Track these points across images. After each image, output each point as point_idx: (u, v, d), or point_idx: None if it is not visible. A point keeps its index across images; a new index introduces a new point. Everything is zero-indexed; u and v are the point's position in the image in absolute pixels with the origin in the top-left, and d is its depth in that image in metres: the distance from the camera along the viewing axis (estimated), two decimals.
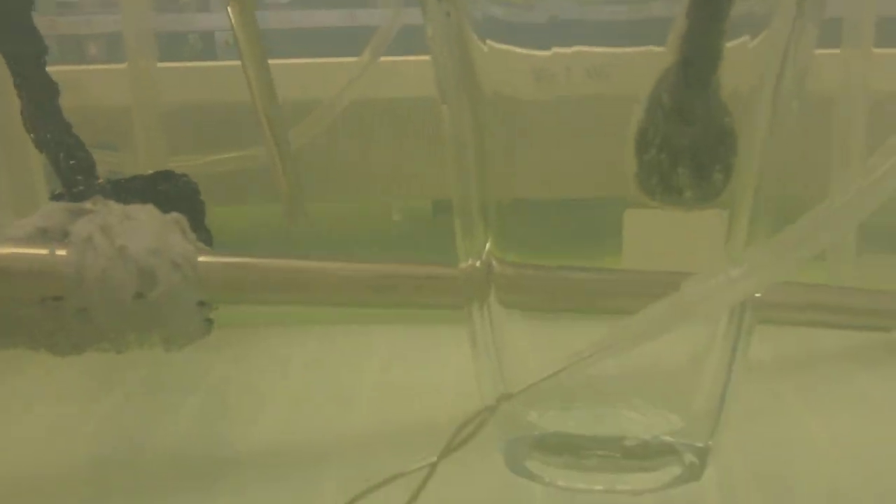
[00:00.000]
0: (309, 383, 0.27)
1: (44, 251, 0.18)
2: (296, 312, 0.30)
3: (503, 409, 0.21)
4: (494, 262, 0.21)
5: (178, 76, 0.36)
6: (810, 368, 0.27)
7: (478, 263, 0.21)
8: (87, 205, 0.19)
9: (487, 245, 0.20)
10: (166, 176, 0.28)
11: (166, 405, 0.26)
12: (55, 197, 0.27)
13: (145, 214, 0.19)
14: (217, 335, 0.29)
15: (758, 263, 0.17)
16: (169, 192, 0.28)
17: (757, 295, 0.20)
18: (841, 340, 0.28)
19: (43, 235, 0.18)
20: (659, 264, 0.20)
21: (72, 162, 0.28)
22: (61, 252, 0.18)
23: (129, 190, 0.28)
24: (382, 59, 0.35)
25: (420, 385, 0.26)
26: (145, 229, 0.19)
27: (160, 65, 0.35)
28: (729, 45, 0.18)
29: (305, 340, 0.29)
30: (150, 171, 0.29)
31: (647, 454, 0.21)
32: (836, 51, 0.31)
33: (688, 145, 0.17)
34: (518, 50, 0.19)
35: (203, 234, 0.28)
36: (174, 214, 0.20)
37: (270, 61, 0.32)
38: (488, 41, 0.19)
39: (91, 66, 0.37)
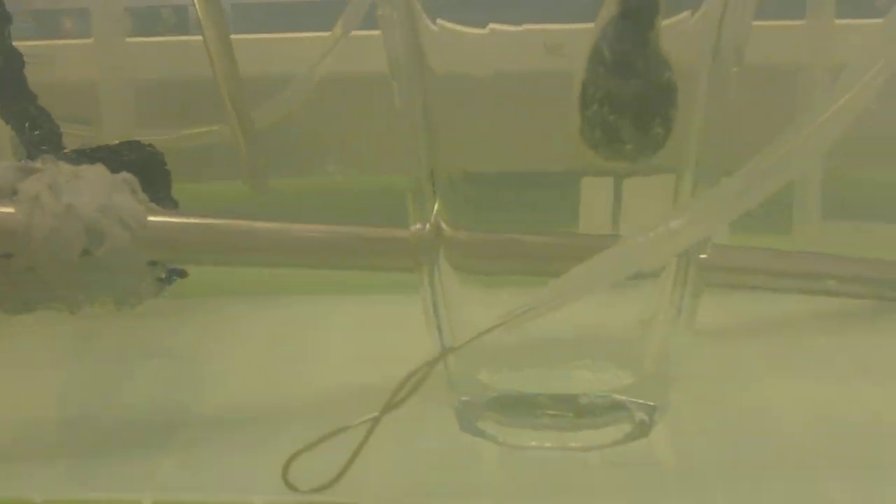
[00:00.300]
0: (270, 350, 0.27)
1: None
2: (259, 283, 0.30)
3: (455, 371, 0.22)
4: (444, 226, 0.21)
5: (150, 51, 0.36)
6: (771, 333, 0.27)
7: (427, 226, 0.21)
8: (37, 164, 0.19)
9: (436, 207, 0.21)
10: (132, 146, 0.29)
11: (131, 370, 0.26)
12: None
13: (94, 174, 0.19)
14: (182, 304, 0.30)
15: (698, 214, 0.17)
16: (134, 161, 0.28)
17: (702, 256, 0.21)
18: (804, 306, 0.28)
19: None
20: (615, 231, 0.21)
21: (36, 132, 0.29)
22: (8, 210, 0.18)
23: (93, 159, 0.28)
24: (354, 33, 0.35)
25: (380, 349, 0.27)
26: (93, 188, 0.19)
27: (130, 39, 0.35)
28: (669, 21, 0.18)
29: (268, 309, 0.30)
30: (115, 142, 0.29)
31: (598, 412, 0.21)
32: (800, 22, 0.31)
33: (628, 98, 0.17)
34: (468, 29, 0.19)
35: (169, 203, 0.28)
36: (124, 174, 0.20)
37: (240, 36, 0.32)
38: (438, 20, 0.19)
39: (61, 41, 0.37)
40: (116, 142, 0.29)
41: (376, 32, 0.36)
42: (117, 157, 0.29)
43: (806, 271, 0.26)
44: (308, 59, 0.35)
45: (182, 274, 0.29)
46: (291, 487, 0.19)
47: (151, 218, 0.20)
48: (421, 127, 0.20)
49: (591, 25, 0.18)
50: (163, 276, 0.21)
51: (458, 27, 0.19)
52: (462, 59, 0.19)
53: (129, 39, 0.35)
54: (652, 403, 0.22)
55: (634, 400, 0.21)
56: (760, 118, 0.21)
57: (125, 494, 0.19)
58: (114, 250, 0.19)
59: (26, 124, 0.28)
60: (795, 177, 0.17)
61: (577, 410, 0.21)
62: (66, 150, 0.29)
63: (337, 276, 0.29)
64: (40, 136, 0.29)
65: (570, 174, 0.20)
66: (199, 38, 0.32)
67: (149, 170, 0.29)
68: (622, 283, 0.21)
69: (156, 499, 0.19)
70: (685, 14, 0.18)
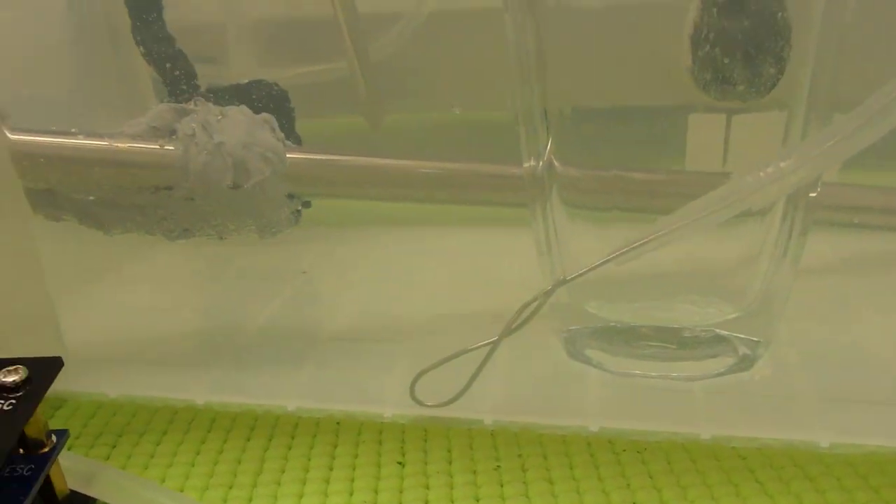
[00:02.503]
0: (386, 274, 0.29)
1: (155, 146, 0.21)
2: (375, 213, 0.32)
3: (564, 302, 0.23)
4: (556, 163, 0.22)
5: None
6: (878, 271, 0.27)
7: (540, 164, 0.22)
8: (190, 105, 0.21)
9: (549, 144, 0.22)
10: (259, 85, 0.31)
11: (263, 290, 0.28)
12: None
13: (239, 114, 0.21)
14: (306, 233, 0.32)
15: (809, 154, 0.17)
16: (262, 99, 0.30)
17: (812, 195, 0.21)
18: None
19: (154, 132, 0.21)
20: (722, 168, 0.21)
21: (176, 73, 0.31)
22: (169, 147, 0.21)
23: (225, 97, 0.30)
24: None
25: (488, 278, 0.28)
26: (239, 126, 0.21)
27: None
28: None
29: (383, 238, 0.32)
30: (245, 81, 0.31)
31: (701, 345, 0.22)
32: None
33: (741, 39, 0.18)
34: None
35: (294, 139, 0.30)
36: (264, 114, 0.22)
37: None
38: None
39: None
40: (246, 81, 0.31)
41: None
42: (246, 95, 0.31)
43: None
44: None
45: (306, 204, 0.31)
46: (419, 402, 0.21)
47: (289, 154, 0.22)
48: (533, 60, 0.21)
49: None
50: (299, 207, 0.23)
51: None
52: None
53: None
54: (755, 339, 0.22)
55: (737, 335, 0.22)
56: (878, 53, 0.21)
57: (273, 401, 0.21)
58: (258, 183, 0.21)
59: (167, 65, 0.31)
60: None
61: (680, 342, 0.22)
62: (200, 89, 0.31)
63: (448, 209, 0.30)
64: (179, 76, 0.31)
65: (680, 109, 0.20)
66: None
67: (274, 108, 0.31)
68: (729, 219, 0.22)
69: (299, 406, 0.21)
70: None
